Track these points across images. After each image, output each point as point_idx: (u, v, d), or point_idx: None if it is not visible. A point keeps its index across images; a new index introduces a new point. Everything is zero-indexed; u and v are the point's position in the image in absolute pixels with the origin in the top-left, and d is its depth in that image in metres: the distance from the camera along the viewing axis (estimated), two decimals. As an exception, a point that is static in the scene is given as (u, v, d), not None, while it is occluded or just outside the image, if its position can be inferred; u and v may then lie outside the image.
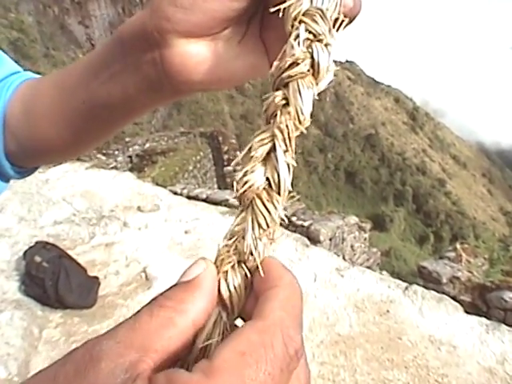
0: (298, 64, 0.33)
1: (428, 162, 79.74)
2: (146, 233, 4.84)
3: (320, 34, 0.33)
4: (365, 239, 11.36)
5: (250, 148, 0.33)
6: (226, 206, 6.17)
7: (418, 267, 7.20)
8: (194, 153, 14.71)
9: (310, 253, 4.42)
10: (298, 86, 0.32)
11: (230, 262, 0.33)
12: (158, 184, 7.17)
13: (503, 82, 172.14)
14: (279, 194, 0.32)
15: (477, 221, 68.30)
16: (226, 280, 0.32)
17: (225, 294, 0.32)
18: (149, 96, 0.48)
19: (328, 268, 4.11)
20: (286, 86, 0.33)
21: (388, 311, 3.55)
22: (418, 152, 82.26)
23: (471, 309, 4.29)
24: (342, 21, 0.36)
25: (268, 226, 0.33)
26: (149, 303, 0.29)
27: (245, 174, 0.33)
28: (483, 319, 3.47)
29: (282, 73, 0.33)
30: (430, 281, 6.65)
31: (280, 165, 0.32)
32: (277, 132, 0.32)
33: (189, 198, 6.37)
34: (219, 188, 12.81)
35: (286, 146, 0.32)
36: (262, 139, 0.33)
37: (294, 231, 5.41)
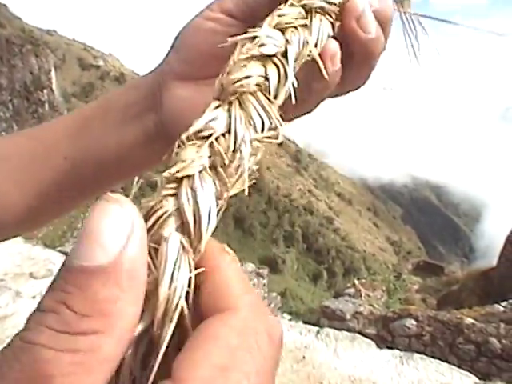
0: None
1: (314, 202, 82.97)
2: (41, 302, 4.50)
3: None
4: (264, 285, 11.51)
5: None
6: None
7: (320, 307, 7.35)
8: (82, 210, 14.32)
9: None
10: None
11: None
12: (46, 245, 6.76)
13: (379, 121, 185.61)
14: None
15: (366, 253, 71.69)
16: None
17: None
18: (143, 151, 0.45)
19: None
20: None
21: (304, 357, 3.53)
22: (304, 193, 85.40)
23: (378, 341, 4.40)
24: None
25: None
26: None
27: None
28: (396, 351, 3.57)
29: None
30: (334, 319, 6.79)
31: None
32: None
33: (81, 259, 6.07)
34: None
35: None
36: None
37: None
